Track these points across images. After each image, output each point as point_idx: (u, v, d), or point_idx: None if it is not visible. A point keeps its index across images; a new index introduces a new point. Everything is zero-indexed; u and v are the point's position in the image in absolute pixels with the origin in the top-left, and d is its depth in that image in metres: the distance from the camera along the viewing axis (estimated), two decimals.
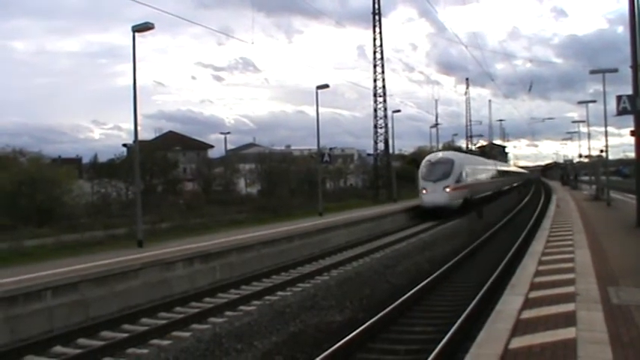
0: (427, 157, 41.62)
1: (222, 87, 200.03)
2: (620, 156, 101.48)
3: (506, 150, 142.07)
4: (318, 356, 8.71)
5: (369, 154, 62.01)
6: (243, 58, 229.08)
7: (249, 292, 15.23)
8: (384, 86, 51.03)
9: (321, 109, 34.21)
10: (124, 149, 38.87)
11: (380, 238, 26.70)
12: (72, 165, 45.26)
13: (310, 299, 13.15)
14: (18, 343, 10.94)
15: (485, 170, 52.43)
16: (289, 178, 47.20)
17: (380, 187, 49.75)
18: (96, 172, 39.55)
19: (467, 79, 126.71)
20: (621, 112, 19.52)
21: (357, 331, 9.98)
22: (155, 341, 10.94)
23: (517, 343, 6.83)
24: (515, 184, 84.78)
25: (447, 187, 35.85)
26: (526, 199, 55.31)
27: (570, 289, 9.72)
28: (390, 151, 51.64)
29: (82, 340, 11.24)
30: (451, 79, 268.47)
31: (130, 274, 14.51)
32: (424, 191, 36.51)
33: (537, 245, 15.83)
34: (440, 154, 41.88)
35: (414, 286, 13.69)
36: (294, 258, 20.68)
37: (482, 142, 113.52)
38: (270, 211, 32.90)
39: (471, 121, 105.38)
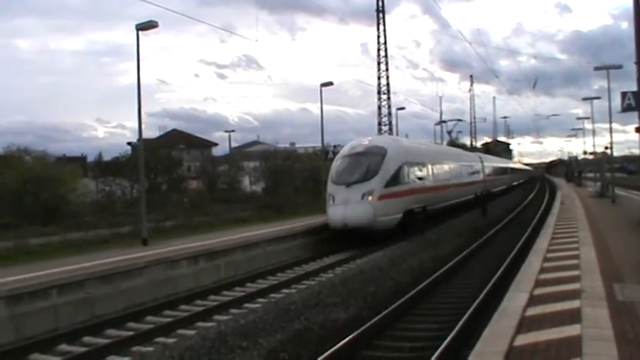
0: (347, 146, 27.18)
1: (226, 85, 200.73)
2: (625, 152, 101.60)
3: (511, 147, 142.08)
4: (323, 353, 8.71)
5: None
6: (246, 55, 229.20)
7: (254, 289, 15.24)
8: (388, 84, 51.19)
9: (325, 107, 33.35)
10: (129, 147, 38.97)
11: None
12: (76, 163, 45.30)
13: (315, 297, 13.16)
14: (23, 342, 10.98)
15: (454, 166, 36.56)
16: (293, 175, 47.16)
17: None
18: (100, 171, 39.61)
19: (471, 76, 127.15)
20: (626, 108, 19.50)
21: (362, 328, 9.99)
22: (160, 339, 10.96)
23: (522, 340, 6.82)
24: (515, 183, 75.98)
25: (370, 193, 22.48)
26: (530, 197, 54.84)
27: (575, 286, 9.71)
28: None
29: (87, 339, 11.27)
30: (455, 76, 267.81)
31: (134, 272, 14.55)
32: (331, 201, 23.11)
33: (542, 242, 15.80)
34: (366, 141, 26.57)
35: (418, 284, 13.68)
36: (298, 255, 20.69)
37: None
38: (274, 209, 32.92)
39: (475, 118, 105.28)
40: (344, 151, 26.22)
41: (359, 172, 23.42)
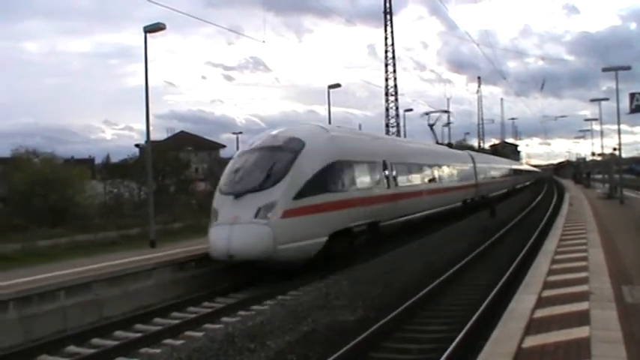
0: (252, 139, 19.73)
1: (233, 86, 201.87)
2: (634, 154, 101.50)
3: (519, 148, 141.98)
4: (330, 355, 8.71)
5: None
6: (253, 57, 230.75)
7: (262, 291, 15.22)
8: (395, 85, 51.19)
9: (332, 109, 32.50)
10: (136, 149, 39.12)
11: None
12: (84, 165, 45.55)
13: (322, 298, 13.13)
14: (32, 343, 11.02)
15: (430, 167, 29.38)
16: None
17: None
18: (108, 173, 39.74)
19: (479, 77, 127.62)
20: (634, 109, 19.52)
21: (370, 330, 9.98)
22: (168, 341, 10.98)
23: (530, 342, 6.81)
24: (519, 186, 70.32)
25: (270, 208, 15.33)
26: (538, 199, 54.31)
27: (584, 287, 9.68)
28: None
29: (95, 340, 11.30)
30: (463, 78, 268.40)
31: (142, 274, 14.56)
32: (214, 221, 16.12)
33: (550, 244, 15.76)
34: (274, 132, 18.96)
35: (426, 286, 13.63)
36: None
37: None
38: None
39: (483, 119, 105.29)
40: (244, 146, 19.19)
41: (255, 177, 16.23)
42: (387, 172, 22.03)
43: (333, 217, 17.12)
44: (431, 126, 45.09)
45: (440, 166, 31.57)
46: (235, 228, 15.08)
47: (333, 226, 17.00)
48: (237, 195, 15.84)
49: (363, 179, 20.05)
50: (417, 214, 24.73)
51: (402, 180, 23.88)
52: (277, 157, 16.64)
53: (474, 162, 41.31)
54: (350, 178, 18.80)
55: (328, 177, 17.29)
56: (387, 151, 23.14)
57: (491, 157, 66.51)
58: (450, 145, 43.51)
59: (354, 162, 19.39)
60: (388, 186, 21.93)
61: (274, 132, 18.85)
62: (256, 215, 15.20)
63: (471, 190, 37.63)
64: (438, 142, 42.19)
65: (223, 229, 15.28)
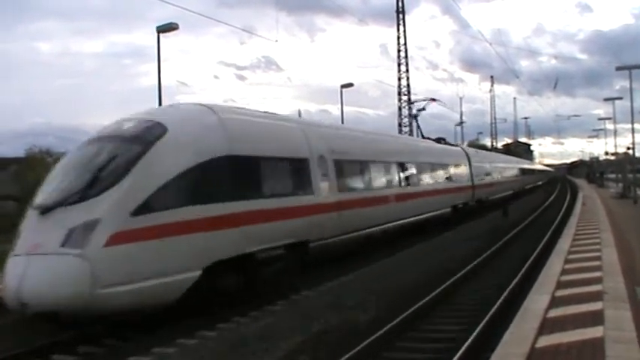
0: (104, 126, 13.34)
1: (246, 86, 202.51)
2: None
3: (532, 148, 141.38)
4: (342, 355, 8.70)
5: None
6: (265, 57, 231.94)
7: (274, 291, 15.19)
8: (408, 85, 51.08)
9: (345, 108, 30.81)
10: None
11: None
12: None
13: (335, 298, 13.11)
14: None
15: (401, 166, 23.24)
16: None
17: None
18: None
19: (491, 76, 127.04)
20: None
21: (383, 330, 9.97)
22: (181, 341, 10.97)
23: (544, 342, 6.78)
24: (528, 187, 65.21)
25: (90, 228, 9.75)
26: (551, 198, 53.95)
27: (597, 287, 9.64)
28: None
29: (108, 340, 11.32)
30: (475, 77, 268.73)
31: None
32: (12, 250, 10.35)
33: (564, 243, 15.70)
34: (139, 115, 12.92)
35: (440, 285, 13.60)
36: None
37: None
38: None
39: (495, 118, 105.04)
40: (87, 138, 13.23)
41: (76, 182, 10.95)
42: (324, 173, 16.29)
43: (214, 239, 11.62)
44: (415, 117, 38.78)
45: (418, 165, 25.39)
46: (32, 261, 9.84)
47: (213, 253, 11.61)
48: (44, 210, 10.55)
49: (278, 182, 14.49)
50: (378, 228, 19.28)
51: (351, 183, 18.41)
52: (118, 151, 11.30)
53: (469, 160, 35.63)
54: (251, 180, 13.20)
55: (207, 180, 11.76)
56: (327, 145, 17.01)
57: (494, 154, 60.01)
58: (439, 140, 36.14)
59: (261, 158, 13.68)
60: (326, 190, 16.21)
61: (136, 115, 13.08)
62: (65, 241, 9.84)
63: (464, 194, 32.37)
64: (423, 136, 36.33)
65: (18, 263, 10.04)
